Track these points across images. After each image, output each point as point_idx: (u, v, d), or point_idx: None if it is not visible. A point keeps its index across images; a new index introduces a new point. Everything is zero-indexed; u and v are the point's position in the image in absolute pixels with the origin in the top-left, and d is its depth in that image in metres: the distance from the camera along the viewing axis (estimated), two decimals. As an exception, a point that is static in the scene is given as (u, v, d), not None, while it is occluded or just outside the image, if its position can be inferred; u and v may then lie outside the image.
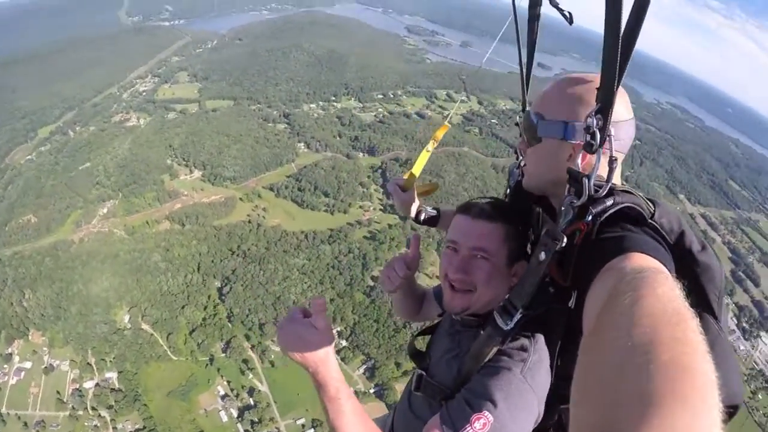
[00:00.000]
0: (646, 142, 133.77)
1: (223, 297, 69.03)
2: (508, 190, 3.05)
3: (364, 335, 64.30)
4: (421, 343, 2.91)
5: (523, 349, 2.01)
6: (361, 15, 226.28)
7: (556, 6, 2.46)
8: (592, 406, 1.02)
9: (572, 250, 1.81)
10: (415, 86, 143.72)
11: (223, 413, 57.83)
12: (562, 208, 1.87)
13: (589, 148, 1.79)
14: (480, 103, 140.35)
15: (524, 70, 3.08)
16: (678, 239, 1.83)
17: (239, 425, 56.97)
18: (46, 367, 59.82)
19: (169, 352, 62.81)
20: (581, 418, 1.04)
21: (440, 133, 3.73)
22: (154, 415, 56.60)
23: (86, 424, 55.34)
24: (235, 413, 57.89)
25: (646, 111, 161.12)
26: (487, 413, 1.81)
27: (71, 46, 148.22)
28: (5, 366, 60.06)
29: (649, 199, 1.88)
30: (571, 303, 1.95)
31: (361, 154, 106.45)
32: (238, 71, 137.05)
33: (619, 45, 1.52)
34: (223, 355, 63.14)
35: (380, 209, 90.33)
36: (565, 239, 1.77)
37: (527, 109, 2.44)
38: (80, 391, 58.07)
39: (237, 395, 59.56)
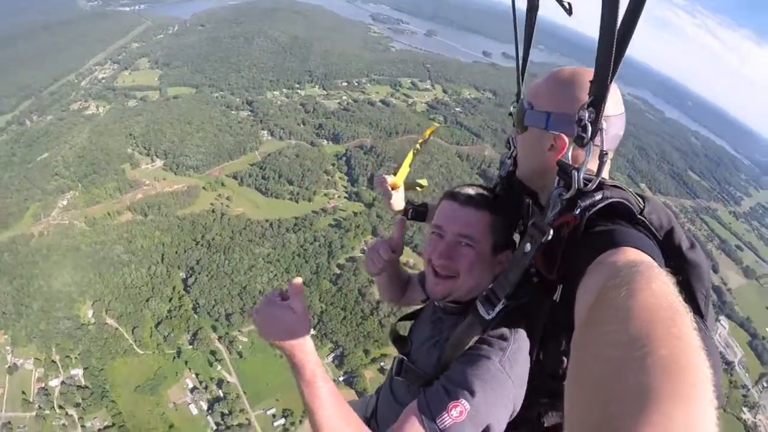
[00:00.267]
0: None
1: (188, 288, 68.50)
2: (499, 180, 3.04)
3: (332, 323, 64.65)
4: (404, 329, 2.95)
5: (503, 338, 2.04)
6: (325, 2, 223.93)
7: None
8: (588, 402, 1.01)
9: (559, 243, 1.83)
10: (380, 74, 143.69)
11: (192, 406, 57.46)
12: (550, 200, 1.91)
13: (579, 141, 1.80)
14: (444, 91, 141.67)
15: (520, 62, 3.05)
16: (667, 236, 1.86)
17: (209, 418, 56.67)
18: (9, 367, 58.23)
19: (135, 346, 62.03)
20: (578, 413, 1.03)
21: (428, 133, 3.83)
22: (122, 411, 55.96)
23: (54, 423, 54.19)
24: (204, 406, 57.63)
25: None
26: (463, 401, 1.85)
27: (27, 32, 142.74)
28: (-33, 368, 58.54)
29: (638, 195, 1.93)
30: (556, 296, 1.99)
31: (326, 141, 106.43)
32: (200, 58, 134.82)
33: (615, 38, 1.48)
34: (191, 347, 62.68)
35: (345, 197, 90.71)
36: (552, 232, 1.80)
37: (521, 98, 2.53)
38: (46, 389, 56.83)
39: (206, 387, 59.26)
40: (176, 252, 72.88)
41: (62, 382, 57.65)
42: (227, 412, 56.85)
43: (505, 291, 1.98)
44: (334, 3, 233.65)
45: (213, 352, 62.24)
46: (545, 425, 2.25)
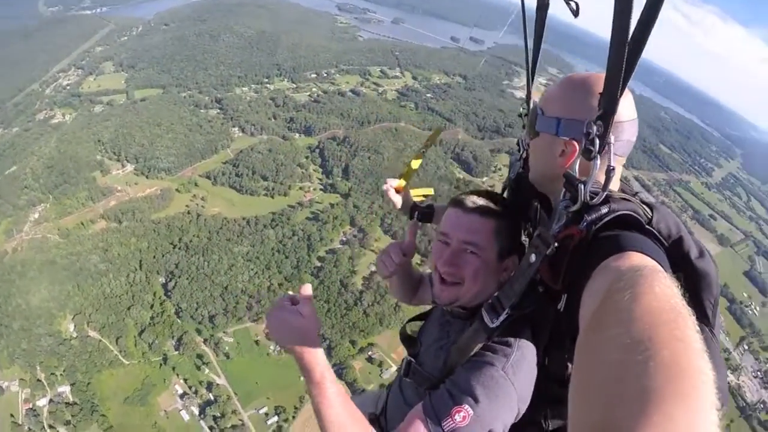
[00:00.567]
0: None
1: (168, 293, 68.06)
2: (508, 182, 3.08)
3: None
4: (414, 328, 3.03)
5: (508, 345, 2.06)
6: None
7: None
8: (591, 404, 1.02)
9: (564, 254, 1.83)
10: (349, 64, 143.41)
11: (184, 412, 57.27)
12: (556, 212, 1.95)
13: (587, 154, 1.81)
14: (414, 78, 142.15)
15: (530, 61, 3.08)
16: (676, 244, 1.85)
17: (202, 422, 56.58)
18: (-4, 390, 57.25)
19: (120, 357, 61.41)
20: (581, 415, 1.04)
21: (435, 136, 3.88)
22: (113, 424, 55.46)
23: (45, 443, 53.68)
24: (196, 411, 57.46)
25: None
26: (467, 407, 1.88)
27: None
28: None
29: (646, 204, 1.93)
30: (560, 305, 1.98)
31: (298, 135, 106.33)
32: (166, 58, 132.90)
33: (625, 52, 1.49)
34: (176, 352, 62.40)
35: (320, 189, 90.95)
36: (557, 244, 1.81)
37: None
38: (34, 410, 55.90)
39: (196, 392, 59.10)
40: (154, 257, 72.27)
41: (50, 401, 56.83)
42: (219, 414, 56.79)
43: (510, 301, 2.00)
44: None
45: (200, 356, 62.01)
46: (549, 429, 2.29)
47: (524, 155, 2.88)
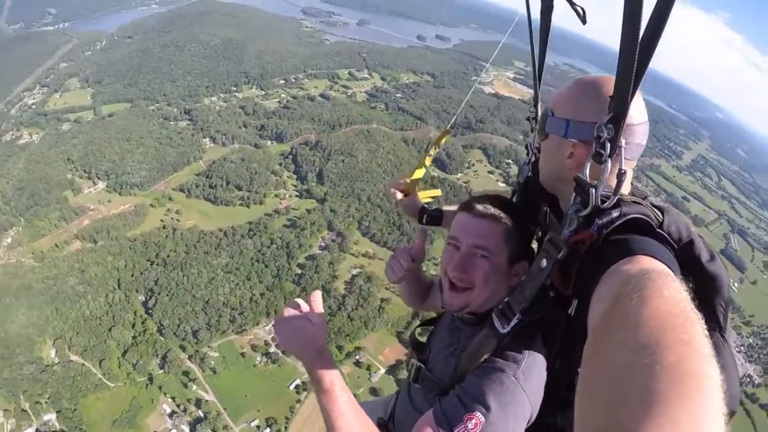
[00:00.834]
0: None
1: (149, 311, 67.47)
2: (517, 186, 3.08)
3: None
4: (423, 334, 3.02)
5: (519, 351, 2.05)
6: (254, 1, 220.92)
7: (569, 0, 2.45)
8: (597, 406, 1.02)
9: (575, 259, 1.85)
10: (317, 68, 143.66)
11: (174, 432, 56.87)
12: (567, 216, 1.91)
13: (598, 158, 1.82)
14: (383, 79, 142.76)
15: (537, 65, 3.06)
16: (686, 248, 1.86)
17: (193, 440, 56.15)
18: (-21, 423, 55.84)
19: (104, 380, 60.40)
20: (587, 417, 1.05)
21: (442, 139, 3.79)
22: (103, 449, 54.62)
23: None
24: (186, 429, 57.05)
25: (547, 74, 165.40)
26: (479, 414, 1.87)
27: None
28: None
29: (657, 207, 1.94)
30: (571, 310, 2.00)
31: (270, 142, 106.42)
32: (132, 71, 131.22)
33: (636, 56, 1.50)
34: (162, 371, 61.76)
35: (296, 195, 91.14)
36: (568, 249, 1.82)
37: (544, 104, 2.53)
38: (21, 440, 54.89)
39: (185, 410, 58.63)
40: (132, 275, 71.62)
41: (36, 430, 55.95)
42: (211, 431, 56.40)
43: (521, 306, 2.01)
44: (264, 1, 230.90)
45: (186, 373, 61.49)
46: None
47: (532, 159, 2.90)
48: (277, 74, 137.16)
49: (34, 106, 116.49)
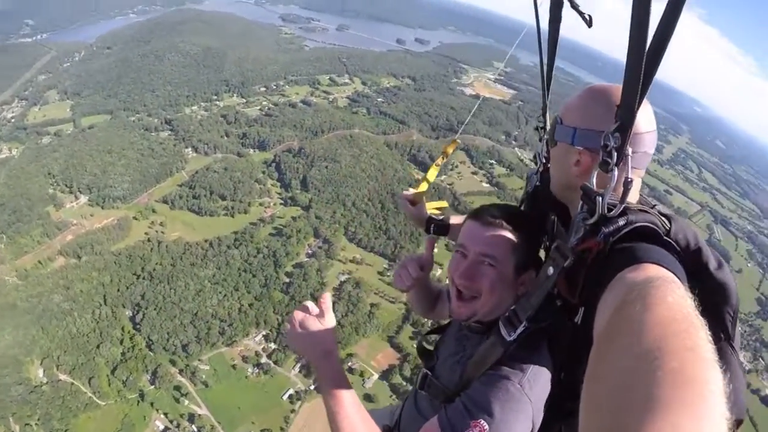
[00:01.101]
0: (528, 102, 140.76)
1: (137, 326, 66.71)
2: (525, 196, 3.09)
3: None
4: (431, 342, 3.02)
5: (524, 360, 2.05)
6: (233, 8, 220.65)
7: (576, 8, 2.48)
8: (599, 411, 1.04)
9: (582, 267, 1.86)
10: (297, 75, 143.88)
11: (168, 448, 56.13)
12: (574, 224, 1.91)
13: (604, 166, 1.81)
14: (364, 83, 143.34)
15: (545, 75, 3.05)
16: (694, 256, 1.85)
17: (188, 456, 55.58)
18: (-32, 448, 54.73)
19: (95, 398, 59.37)
20: (589, 423, 1.06)
21: (450, 149, 3.82)
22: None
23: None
24: (181, 445, 56.53)
25: (525, 73, 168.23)
26: (483, 422, 1.88)
27: None
28: None
29: (664, 215, 1.94)
30: (578, 318, 2.03)
31: (252, 150, 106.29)
32: (111, 82, 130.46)
33: (642, 64, 1.51)
34: (153, 386, 61.00)
35: (281, 203, 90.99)
36: (574, 257, 1.82)
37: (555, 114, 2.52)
38: (13, 464, 53.83)
39: (178, 426, 57.99)
40: (118, 290, 70.85)
41: (27, 453, 54.80)
42: (205, 445, 55.80)
43: (527, 313, 2.01)
44: (242, 8, 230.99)
45: (177, 388, 60.82)
46: None
47: (541, 169, 2.95)
48: (258, 81, 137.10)
49: (13, 120, 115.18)
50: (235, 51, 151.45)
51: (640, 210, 1.86)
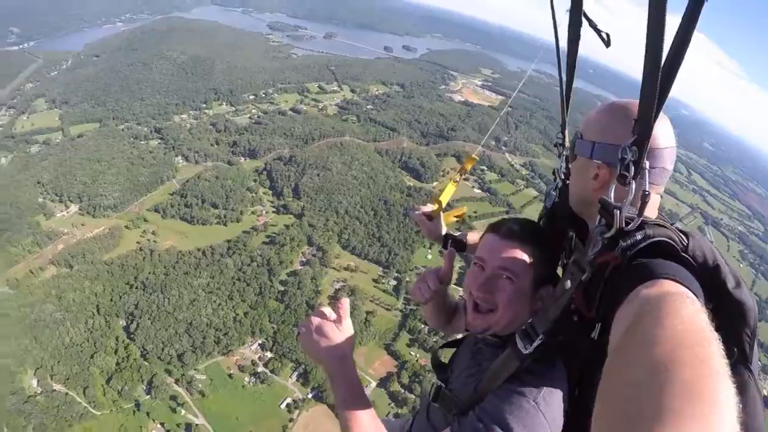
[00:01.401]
0: (517, 108, 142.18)
1: (132, 335, 66.00)
2: (544, 211, 3.05)
3: (287, 342, 64.63)
4: (446, 355, 2.98)
5: (540, 375, 2.06)
6: (220, 17, 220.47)
7: (594, 27, 2.46)
8: (611, 423, 1.05)
9: (599, 281, 1.85)
10: (286, 82, 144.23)
11: (165, 459, 55.54)
12: (591, 238, 1.90)
13: (622, 180, 1.81)
14: (353, 91, 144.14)
15: (564, 93, 3.02)
16: (712, 273, 1.83)
17: (186, 467, 55.12)
18: (-38, 460, 53.78)
19: (90, 408, 58.37)
20: None
21: (468, 165, 3.80)
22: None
23: None
24: (178, 455, 55.93)
25: (513, 79, 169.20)
26: None
27: None
28: None
29: (682, 232, 1.94)
30: (594, 334, 1.99)
31: (243, 158, 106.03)
32: (100, 90, 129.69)
33: (658, 78, 1.52)
34: (149, 396, 60.29)
35: (273, 211, 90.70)
36: (592, 270, 1.83)
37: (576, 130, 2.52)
38: (6, 476, 52.97)
39: (175, 436, 57.58)
40: (111, 299, 70.09)
41: (22, 464, 54.02)
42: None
43: (544, 327, 2.01)
44: (229, 17, 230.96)
45: (173, 397, 60.19)
46: None
47: (559, 185, 2.93)
48: (247, 90, 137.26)
49: (1, 129, 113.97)
50: (224, 59, 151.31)
51: (658, 225, 1.89)
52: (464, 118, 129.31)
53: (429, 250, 79.50)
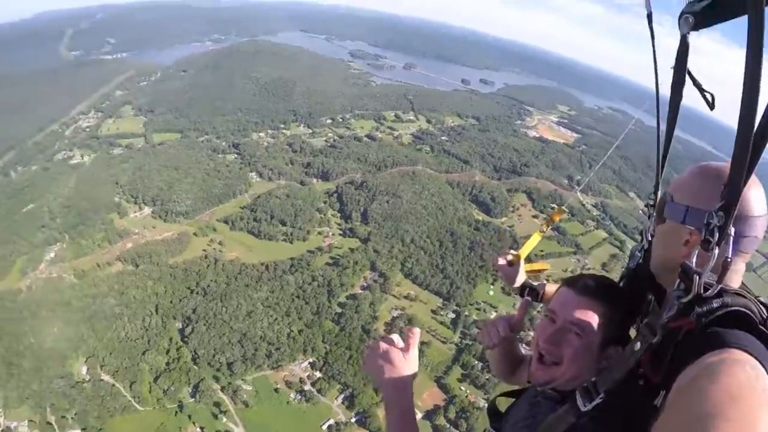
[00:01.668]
0: (592, 146, 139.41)
1: (185, 338, 66.31)
2: (627, 271, 2.79)
3: (338, 364, 63.43)
4: (503, 403, 2.86)
5: None
6: (304, 43, 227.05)
7: (699, 88, 2.15)
8: None
9: (670, 345, 1.75)
10: (363, 109, 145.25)
11: (200, 462, 55.12)
12: (668, 301, 1.78)
13: (706, 245, 1.68)
14: (429, 121, 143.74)
15: (660, 152, 2.73)
16: None
17: (219, 473, 54.42)
18: (3, 430, 55.13)
19: (134, 402, 59.07)
20: None
21: (556, 217, 3.88)
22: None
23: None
24: (213, 461, 55.35)
25: (588, 116, 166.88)
26: None
27: (10, 82, 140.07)
28: (-43, 434, 55.30)
29: (763, 304, 1.79)
30: (658, 401, 1.82)
31: (315, 179, 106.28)
32: (184, 103, 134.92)
33: (750, 143, 1.42)
34: (193, 400, 60.16)
35: (340, 234, 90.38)
36: (663, 334, 1.73)
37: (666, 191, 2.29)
38: (44, 453, 53.58)
39: (212, 441, 57.01)
40: (171, 302, 70.87)
41: (59, 444, 54.53)
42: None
43: (606, 385, 1.91)
44: (313, 43, 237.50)
45: (217, 404, 59.85)
46: None
47: (645, 246, 2.65)
48: (325, 113, 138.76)
49: (88, 129, 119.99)
50: (305, 82, 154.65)
51: (737, 294, 1.79)
52: (538, 155, 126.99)
53: (491, 286, 77.14)
